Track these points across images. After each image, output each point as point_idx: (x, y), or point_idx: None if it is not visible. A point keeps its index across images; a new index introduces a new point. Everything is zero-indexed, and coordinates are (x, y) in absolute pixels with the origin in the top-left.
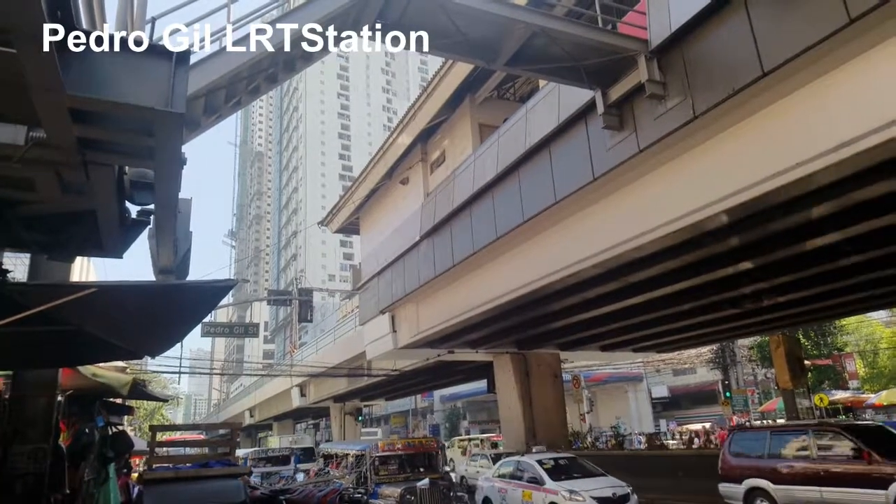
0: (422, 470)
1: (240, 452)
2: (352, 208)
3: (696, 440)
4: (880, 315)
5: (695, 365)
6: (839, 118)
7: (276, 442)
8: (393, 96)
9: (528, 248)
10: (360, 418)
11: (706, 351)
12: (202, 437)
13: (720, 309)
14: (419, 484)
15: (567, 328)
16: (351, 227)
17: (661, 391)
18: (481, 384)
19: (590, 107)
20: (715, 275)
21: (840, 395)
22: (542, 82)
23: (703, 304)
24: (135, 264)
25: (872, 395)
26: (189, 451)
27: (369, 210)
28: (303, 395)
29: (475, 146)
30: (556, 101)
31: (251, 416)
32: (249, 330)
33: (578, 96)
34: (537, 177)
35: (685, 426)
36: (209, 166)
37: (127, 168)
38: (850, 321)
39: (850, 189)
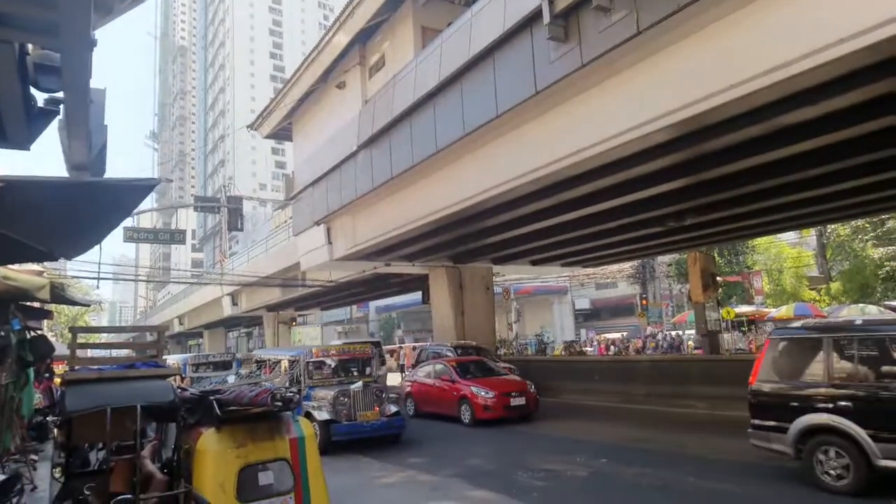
0: (356, 374)
1: (176, 357)
2: (284, 112)
3: (612, 348)
4: (788, 236)
5: (616, 279)
6: (776, 40)
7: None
8: None
9: (468, 162)
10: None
11: (628, 266)
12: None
13: (646, 227)
14: (352, 387)
15: (501, 243)
16: (283, 133)
17: (583, 303)
18: (416, 295)
19: (536, 15)
20: (643, 193)
21: (745, 308)
22: None
23: (631, 222)
24: (44, 159)
25: (773, 310)
26: (115, 354)
27: (303, 115)
28: (234, 304)
29: (417, 51)
30: (503, 6)
31: (180, 323)
32: (175, 237)
33: (525, 3)
34: (480, 87)
35: (603, 335)
36: (126, 60)
37: (30, 48)
38: (761, 241)
39: (780, 112)
